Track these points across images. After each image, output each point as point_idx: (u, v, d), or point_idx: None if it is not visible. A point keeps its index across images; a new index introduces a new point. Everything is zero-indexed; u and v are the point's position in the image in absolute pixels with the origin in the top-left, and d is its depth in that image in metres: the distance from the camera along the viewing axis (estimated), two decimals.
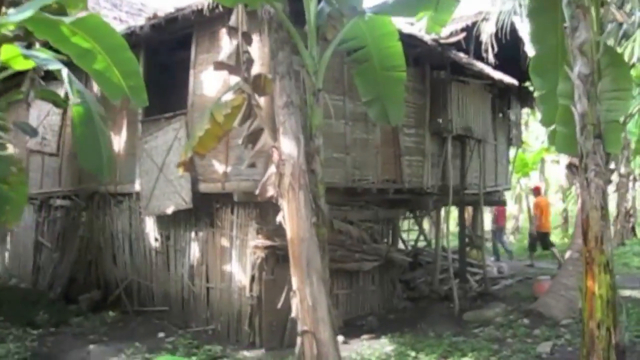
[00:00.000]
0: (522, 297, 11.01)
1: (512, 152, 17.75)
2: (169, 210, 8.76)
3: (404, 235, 14.66)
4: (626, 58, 8.83)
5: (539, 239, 14.99)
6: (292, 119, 5.12)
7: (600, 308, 5.57)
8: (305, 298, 5.03)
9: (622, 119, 6.27)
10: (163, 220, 9.33)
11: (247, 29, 6.20)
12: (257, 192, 5.59)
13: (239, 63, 5.78)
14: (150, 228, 9.68)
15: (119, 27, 9.22)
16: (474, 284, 12.51)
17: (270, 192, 5.37)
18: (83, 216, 11.10)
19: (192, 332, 8.58)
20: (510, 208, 23.40)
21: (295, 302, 5.20)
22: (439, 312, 10.22)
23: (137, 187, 9.54)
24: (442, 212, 11.73)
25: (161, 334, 8.61)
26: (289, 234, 5.23)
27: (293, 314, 5.39)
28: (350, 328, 9.10)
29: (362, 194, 9.18)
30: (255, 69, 6.24)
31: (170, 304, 9.32)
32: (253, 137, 5.70)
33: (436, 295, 11.38)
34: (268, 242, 7.92)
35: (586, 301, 5.70)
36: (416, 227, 16.85)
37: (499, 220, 16.51)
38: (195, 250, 8.90)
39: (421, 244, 15.19)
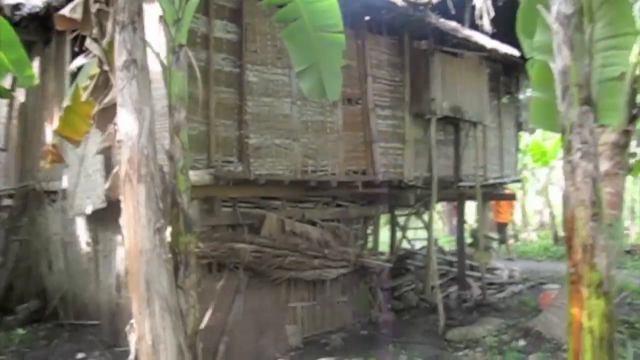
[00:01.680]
0: (526, 309, 9.29)
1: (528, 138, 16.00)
2: (88, 209, 7.38)
3: (410, 234, 12.95)
4: None
5: (497, 229, 13.59)
6: (132, 84, 3.60)
7: (591, 347, 3.90)
8: (143, 335, 3.51)
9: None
10: (91, 221, 7.98)
11: None
12: (106, 186, 4.08)
13: (88, 16, 4.29)
14: (82, 230, 8.34)
15: None
16: (477, 292, 10.80)
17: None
18: (22, 217, 9.83)
19: (119, 352, 7.17)
20: (534, 202, 21.44)
21: (132, 340, 3.69)
22: (423, 327, 8.61)
23: (64, 183, 8.19)
24: (445, 206, 10.11)
25: (80, 355, 7.27)
26: (125, 243, 3.71)
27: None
28: (311, 348, 7.64)
29: (320, 187, 7.61)
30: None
31: (100, 317, 7.97)
32: (105, 115, 4.21)
33: (427, 306, 9.76)
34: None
35: (571, 336, 4.05)
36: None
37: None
38: (121, 257, 7.47)
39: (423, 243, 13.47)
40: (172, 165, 3.85)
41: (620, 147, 7.64)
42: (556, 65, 4.07)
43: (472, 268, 11.83)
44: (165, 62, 3.98)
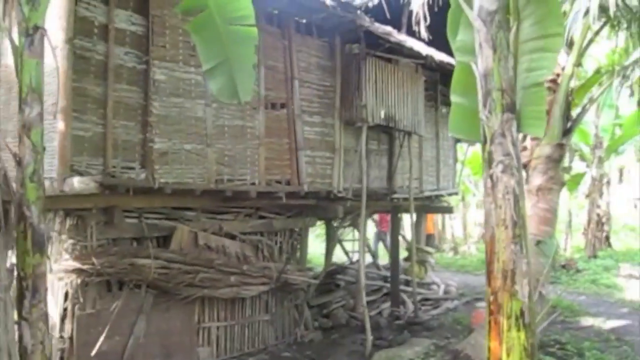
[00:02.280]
0: (459, 328, 8.91)
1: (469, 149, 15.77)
2: None
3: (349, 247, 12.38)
4: None
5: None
6: None
7: None
8: None
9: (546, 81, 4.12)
10: None
11: None
12: None
13: None
14: None
15: None
16: (411, 308, 10.38)
17: None
18: None
19: None
20: (475, 215, 21.33)
21: None
22: (350, 347, 8.09)
23: None
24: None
25: None
26: None
27: None
28: None
29: (238, 198, 7.01)
30: None
31: None
32: None
33: (358, 324, 9.26)
34: (86, 264, 5.73)
35: None
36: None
37: (382, 225, 14.19)
38: None
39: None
40: (20, 171, 3.18)
41: (554, 161, 7.34)
42: (478, 68, 3.62)
43: (407, 283, 11.43)
44: (17, 46, 3.31)
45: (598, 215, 16.47)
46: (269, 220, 7.92)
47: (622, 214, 23.20)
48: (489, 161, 3.55)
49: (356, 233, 14.60)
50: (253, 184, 7.04)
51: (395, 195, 9.45)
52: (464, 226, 20.66)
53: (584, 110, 8.02)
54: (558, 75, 7.52)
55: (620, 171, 27.92)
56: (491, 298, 3.53)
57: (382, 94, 8.32)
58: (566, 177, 17.02)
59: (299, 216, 8.45)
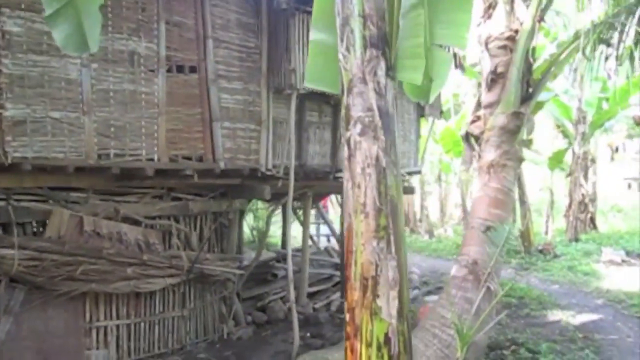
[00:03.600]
0: None
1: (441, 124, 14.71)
2: None
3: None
4: None
5: None
6: None
7: None
8: None
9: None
10: None
11: None
12: None
13: None
14: None
15: None
16: None
17: None
18: None
19: None
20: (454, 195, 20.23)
21: None
22: (279, 346, 7.12)
23: None
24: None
25: None
26: None
27: None
28: None
29: (132, 176, 5.95)
30: None
31: None
32: None
33: (300, 317, 8.27)
34: None
35: None
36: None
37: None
38: None
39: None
40: None
41: (510, 133, 6.24)
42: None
43: None
44: None
45: (583, 195, 15.39)
46: (185, 202, 6.86)
47: (614, 195, 22.09)
48: (346, 120, 2.48)
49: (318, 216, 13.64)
50: (151, 159, 5.96)
51: (340, 174, 8.36)
52: (440, 207, 19.55)
53: (548, 73, 6.93)
54: (516, 31, 6.40)
55: (612, 149, 26.82)
56: (347, 317, 2.48)
57: None
58: (547, 154, 15.99)
59: (224, 197, 7.41)
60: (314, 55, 2.98)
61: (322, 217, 14.70)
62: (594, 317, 7.96)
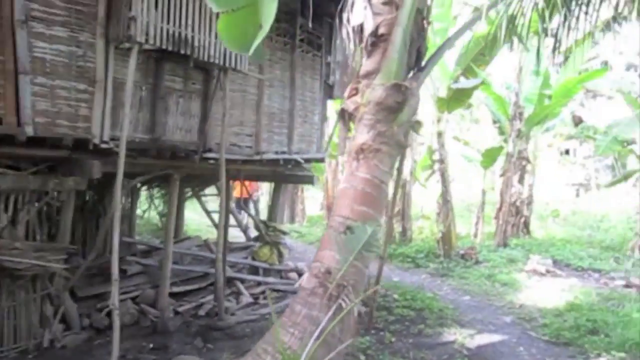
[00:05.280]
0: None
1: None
2: None
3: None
4: None
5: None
6: None
7: None
8: None
9: None
10: None
11: None
12: None
13: None
14: None
15: None
16: (247, 301, 8.10)
17: None
18: None
19: None
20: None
21: None
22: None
23: None
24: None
25: None
26: None
27: None
28: None
29: None
30: None
31: None
32: None
33: (154, 320, 6.97)
34: None
35: None
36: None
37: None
38: None
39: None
40: None
41: (388, 110, 4.95)
42: None
43: (255, 270, 9.13)
44: None
45: (516, 197, 14.37)
46: None
47: (559, 200, 21.21)
48: None
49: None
50: None
51: (211, 155, 7.01)
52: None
53: (448, 42, 5.71)
54: None
55: (561, 152, 26.07)
56: None
57: (171, 4, 5.84)
58: (479, 150, 14.90)
59: (53, 172, 5.99)
60: None
61: (241, 206, 13.47)
62: (495, 338, 6.83)
